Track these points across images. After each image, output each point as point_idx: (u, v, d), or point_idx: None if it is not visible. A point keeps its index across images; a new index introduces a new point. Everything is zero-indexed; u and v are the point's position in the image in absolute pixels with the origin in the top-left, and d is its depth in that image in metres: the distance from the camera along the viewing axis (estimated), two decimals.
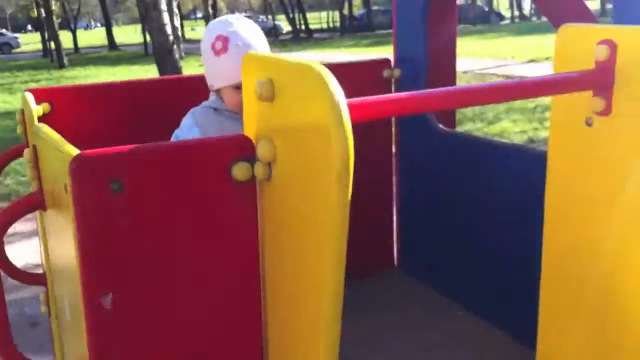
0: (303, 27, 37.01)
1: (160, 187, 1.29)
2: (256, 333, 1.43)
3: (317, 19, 46.17)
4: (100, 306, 1.29)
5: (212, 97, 2.17)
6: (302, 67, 1.13)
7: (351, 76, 2.60)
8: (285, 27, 39.54)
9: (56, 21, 26.30)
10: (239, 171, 1.30)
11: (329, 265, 1.11)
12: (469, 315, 2.63)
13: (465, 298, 2.69)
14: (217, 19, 2.15)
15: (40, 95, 2.43)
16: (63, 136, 1.55)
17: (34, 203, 1.76)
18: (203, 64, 2.14)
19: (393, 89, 2.83)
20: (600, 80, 1.45)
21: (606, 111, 1.47)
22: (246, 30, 2.05)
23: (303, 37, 34.39)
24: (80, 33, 42.60)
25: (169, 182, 1.29)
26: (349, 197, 1.07)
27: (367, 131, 2.75)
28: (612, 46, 1.43)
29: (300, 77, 1.15)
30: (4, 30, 43.48)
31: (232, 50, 1.99)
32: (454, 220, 2.71)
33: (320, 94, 1.07)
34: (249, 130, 1.37)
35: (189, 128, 2.11)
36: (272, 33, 34.40)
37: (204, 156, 1.31)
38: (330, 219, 1.09)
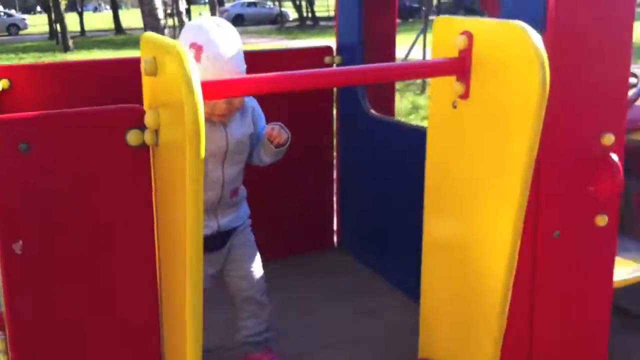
0: (310, 14, 37.09)
1: (64, 150, 1.49)
2: (152, 287, 1.63)
3: (325, 7, 46.25)
4: (12, 252, 1.50)
5: None
6: (170, 48, 1.34)
7: (294, 62, 2.81)
8: (292, 14, 39.65)
9: (64, 3, 26.47)
10: (132, 137, 1.51)
11: (187, 218, 1.32)
12: (392, 288, 2.83)
13: (390, 274, 2.89)
14: (196, 23, 2.10)
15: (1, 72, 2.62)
16: (21, 111, 1.75)
17: None
18: None
19: None
20: (459, 66, 1.65)
21: (465, 95, 1.67)
22: (221, 40, 1.99)
23: (309, 25, 34.49)
24: (88, 15, 42.80)
25: (71, 145, 1.50)
26: (200, 159, 1.28)
27: (308, 117, 2.96)
28: (470, 37, 1.63)
29: (169, 57, 1.35)
30: (12, 11, 43.67)
31: (203, 62, 1.95)
32: (386, 202, 2.90)
33: (178, 74, 1.28)
34: (144, 100, 1.58)
35: None
36: (278, 20, 34.51)
37: (102, 122, 1.52)
38: (187, 175, 1.29)
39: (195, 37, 1.98)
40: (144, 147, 1.52)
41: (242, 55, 2.04)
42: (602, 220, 2.04)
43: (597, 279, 2.13)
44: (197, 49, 1.96)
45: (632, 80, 3.00)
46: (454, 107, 1.72)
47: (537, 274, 2.06)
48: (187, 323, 1.37)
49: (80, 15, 33.91)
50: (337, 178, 3.23)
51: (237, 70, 1.99)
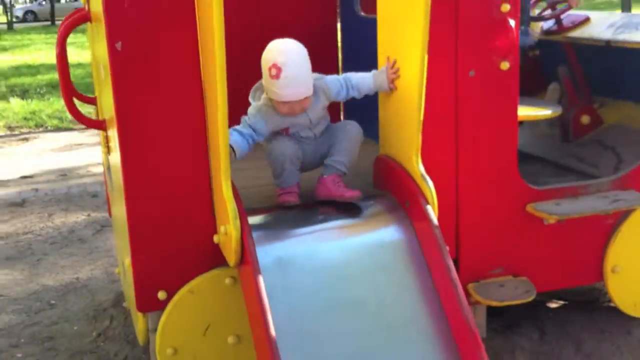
0: None
1: None
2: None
3: None
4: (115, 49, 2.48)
5: (266, 99, 2.77)
6: None
7: None
8: None
9: None
10: None
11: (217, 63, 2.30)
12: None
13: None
14: (275, 45, 2.69)
15: None
16: None
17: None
18: None
19: None
20: None
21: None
22: (295, 62, 2.63)
23: None
24: None
25: None
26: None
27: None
28: None
29: None
30: None
31: (282, 80, 2.61)
32: None
33: None
34: None
35: (258, 122, 2.75)
36: None
37: None
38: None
39: (275, 60, 2.63)
40: None
41: (310, 73, 2.70)
42: (504, 66, 2.97)
43: (505, 112, 3.05)
44: (278, 69, 2.61)
45: None
46: None
47: (460, 110, 2.99)
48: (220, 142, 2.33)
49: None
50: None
51: (308, 87, 2.70)
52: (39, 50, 19.69)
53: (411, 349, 2.38)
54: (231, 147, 2.59)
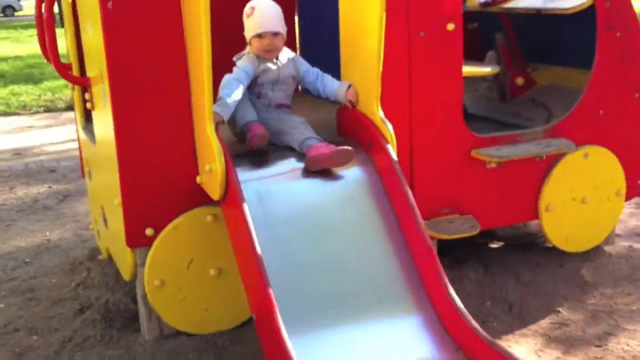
0: None
1: None
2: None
3: None
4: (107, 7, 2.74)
5: (248, 48, 3.16)
6: None
7: None
8: None
9: None
10: None
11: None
12: None
13: None
14: None
15: None
16: None
17: None
18: None
19: None
20: None
21: None
22: (267, 3, 3.11)
23: None
24: None
25: None
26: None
27: None
28: None
29: None
30: None
31: (256, 15, 3.08)
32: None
33: None
34: None
35: (247, 66, 3.09)
36: None
37: None
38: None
39: (252, 3, 3.13)
40: None
41: (282, 17, 3.12)
42: (450, 27, 3.34)
43: (451, 67, 3.42)
44: (252, 9, 3.10)
45: None
46: None
47: (412, 66, 3.35)
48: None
49: None
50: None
51: (280, 23, 3.12)
52: None
53: (375, 261, 2.72)
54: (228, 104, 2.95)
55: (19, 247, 4.41)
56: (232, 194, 2.71)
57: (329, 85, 3.22)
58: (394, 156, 2.92)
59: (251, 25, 3.12)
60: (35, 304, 3.63)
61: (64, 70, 3.32)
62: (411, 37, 3.32)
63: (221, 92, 3.01)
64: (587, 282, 3.65)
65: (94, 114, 3.37)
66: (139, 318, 3.24)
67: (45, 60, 3.49)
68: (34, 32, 22.37)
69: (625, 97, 3.80)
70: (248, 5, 3.16)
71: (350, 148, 2.93)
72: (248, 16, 3.13)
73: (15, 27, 25.74)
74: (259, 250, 2.51)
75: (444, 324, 2.54)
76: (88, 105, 3.35)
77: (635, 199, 4.84)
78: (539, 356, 3.02)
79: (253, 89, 3.19)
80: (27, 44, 18.35)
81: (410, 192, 2.82)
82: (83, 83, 3.34)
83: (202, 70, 2.70)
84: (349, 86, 3.14)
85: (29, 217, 4.97)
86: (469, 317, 2.48)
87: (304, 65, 3.28)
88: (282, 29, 3.16)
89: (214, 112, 2.81)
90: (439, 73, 3.39)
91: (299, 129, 3.08)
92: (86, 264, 3.99)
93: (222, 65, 3.08)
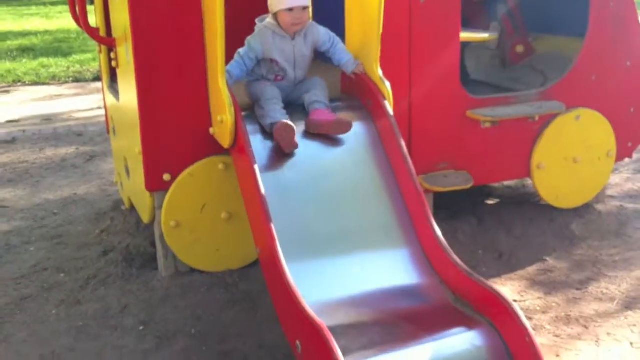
0: None
1: None
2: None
3: None
4: None
5: (269, 19, 3.21)
6: None
7: None
8: None
9: None
10: None
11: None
12: None
13: None
14: None
15: None
16: None
17: None
18: None
19: None
20: None
21: None
22: None
23: None
24: None
25: None
26: None
27: None
28: None
29: None
30: None
31: None
32: None
33: None
34: None
35: (255, 41, 3.21)
36: None
37: None
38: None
39: None
40: None
41: None
42: None
43: (449, 32, 3.66)
44: None
45: None
46: None
47: (413, 31, 3.59)
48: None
49: None
50: None
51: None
52: (4, 21, 19.81)
53: (370, 203, 2.99)
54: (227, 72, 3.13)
55: (48, 200, 4.75)
56: (240, 142, 2.99)
57: (338, 55, 3.36)
58: (391, 111, 3.17)
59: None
60: (62, 247, 3.95)
61: (92, 31, 3.63)
62: (412, 3, 3.55)
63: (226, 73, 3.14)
64: (576, 235, 3.89)
65: (119, 72, 3.67)
66: (156, 259, 3.54)
67: (76, 25, 3.78)
68: (63, 8, 22.90)
69: (618, 64, 4.02)
70: None
71: (349, 121, 3.12)
72: None
73: (44, 4, 26.19)
74: (263, 190, 2.78)
75: (428, 258, 2.81)
76: (113, 63, 3.65)
77: (633, 165, 5.07)
78: (522, 296, 3.28)
79: (274, 71, 3.30)
80: (56, 20, 18.77)
81: (403, 144, 3.07)
82: (109, 43, 3.64)
83: (215, 29, 2.98)
84: (358, 64, 3.31)
85: (57, 174, 5.31)
86: (450, 251, 2.74)
87: (321, 34, 3.34)
88: (309, 2, 3.23)
89: None
90: (437, 37, 3.63)
91: (312, 90, 3.27)
92: (110, 214, 4.31)
93: (235, 26, 3.36)
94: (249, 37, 3.28)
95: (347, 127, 3.12)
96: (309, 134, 3.19)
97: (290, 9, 3.17)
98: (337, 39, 3.38)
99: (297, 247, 2.81)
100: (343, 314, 2.63)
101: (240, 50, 3.27)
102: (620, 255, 3.67)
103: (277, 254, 2.59)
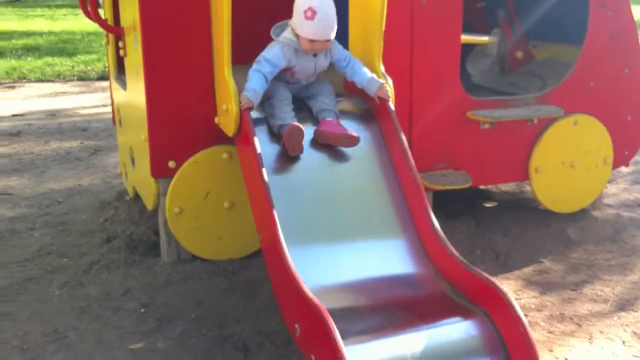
0: None
1: None
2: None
3: None
4: None
5: (289, 34, 3.13)
6: None
7: None
8: None
9: None
10: None
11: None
12: None
13: None
14: None
15: None
16: None
17: None
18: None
19: None
20: None
21: None
22: (327, 4, 3.04)
23: None
24: None
25: None
26: None
27: None
28: None
29: None
30: None
31: (317, 22, 3.02)
32: None
33: None
34: None
35: (278, 57, 3.11)
36: None
37: None
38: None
39: (311, 3, 3.02)
40: None
41: (335, 12, 3.05)
42: None
43: (450, 33, 3.73)
44: (313, 12, 3.02)
45: None
46: None
47: (415, 31, 3.67)
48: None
49: None
50: None
51: (334, 30, 3.09)
52: (9, 20, 19.95)
53: (370, 195, 3.05)
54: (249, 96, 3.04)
55: (53, 189, 4.82)
56: (245, 130, 3.06)
57: (359, 75, 3.27)
58: (392, 107, 3.24)
59: (308, 29, 3.07)
60: (66, 234, 4.02)
61: (102, 21, 3.71)
62: (414, 4, 3.64)
63: (247, 83, 3.09)
64: (572, 240, 3.95)
65: (126, 61, 3.75)
66: (159, 247, 3.60)
67: (82, 25, 3.86)
68: (67, 11, 23.07)
69: (615, 72, 4.10)
70: (307, 4, 3.06)
71: (357, 136, 3.10)
72: (307, 18, 3.05)
73: (49, 6, 26.35)
74: (266, 177, 2.85)
75: (426, 249, 2.88)
76: (121, 52, 3.73)
77: (630, 177, 5.15)
78: (517, 295, 3.34)
79: (287, 77, 3.25)
80: (61, 21, 18.89)
81: (404, 139, 3.14)
82: (118, 32, 3.72)
83: (222, 19, 3.06)
84: (381, 85, 3.21)
85: (62, 165, 5.38)
86: (448, 243, 2.80)
87: (338, 52, 3.28)
88: (334, 34, 3.13)
89: (244, 96, 3.02)
90: (438, 37, 3.70)
91: (321, 96, 3.27)
92: (114, 204, 4.37)
93: (242, 15, 3.44)
94: (270, 55, 3.16)
95: (354, 141, 3.09)
96: (312, 128, 3.26)
97: (312, 40, 3.11)
98: (354, 58, 3.31)
99: (298, 235, 2.87)
100: (341, 300, 2.70)
101: (261, 68, 3.13)
102: (616, 260, 3.73)
103: (279, 238, 2.65)
